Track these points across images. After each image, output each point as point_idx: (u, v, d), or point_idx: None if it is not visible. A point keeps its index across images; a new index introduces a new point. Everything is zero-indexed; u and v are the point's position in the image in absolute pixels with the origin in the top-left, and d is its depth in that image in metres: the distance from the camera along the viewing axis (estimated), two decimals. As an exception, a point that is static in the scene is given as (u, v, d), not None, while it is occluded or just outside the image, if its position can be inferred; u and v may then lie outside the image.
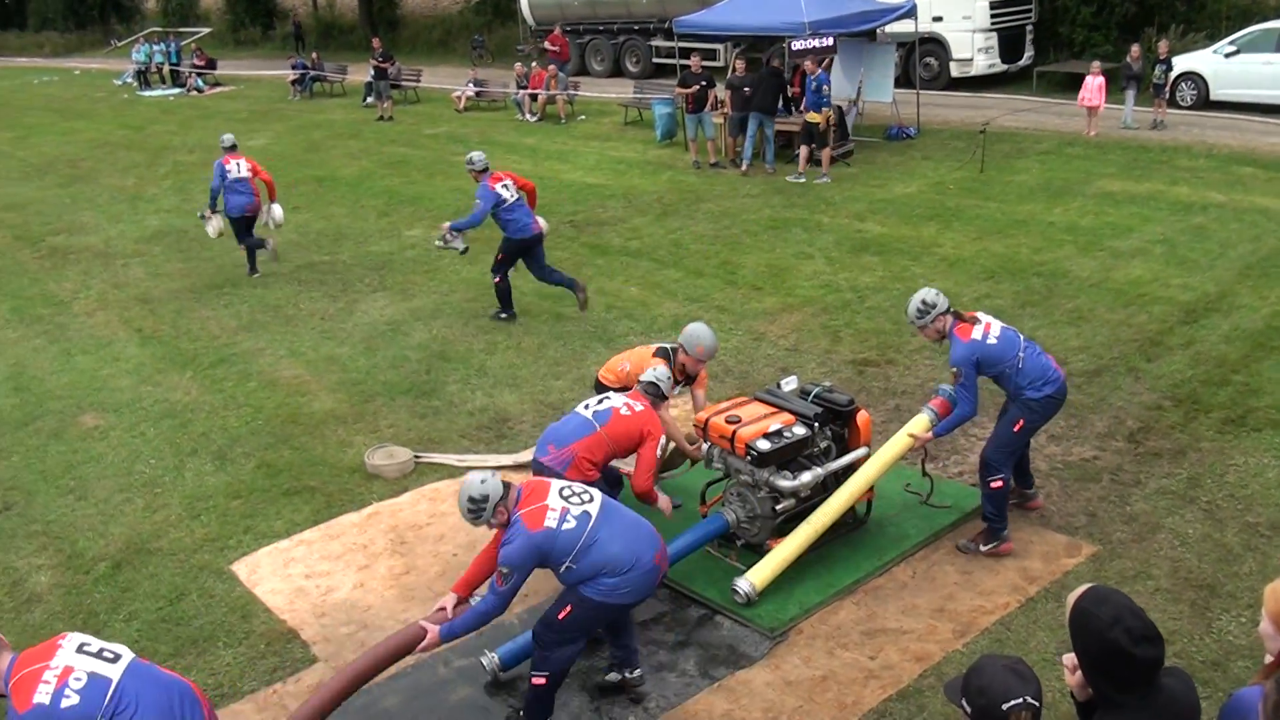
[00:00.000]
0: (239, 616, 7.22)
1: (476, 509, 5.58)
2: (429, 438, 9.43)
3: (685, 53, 21.17)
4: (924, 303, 7.05)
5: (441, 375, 10.75)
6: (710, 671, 6.40)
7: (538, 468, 6.72)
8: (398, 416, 9.94)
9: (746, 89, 18.38)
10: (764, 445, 6.93)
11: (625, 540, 5.55)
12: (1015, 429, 7.11)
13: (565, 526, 5.46)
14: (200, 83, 36.15)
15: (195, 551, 8.01)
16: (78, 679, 4.29)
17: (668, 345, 7.84)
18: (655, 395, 7.00)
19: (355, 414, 10.05)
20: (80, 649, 4.42)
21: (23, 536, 8.45)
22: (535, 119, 25.45)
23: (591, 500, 5.66)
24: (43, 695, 4.21)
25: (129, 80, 39.08)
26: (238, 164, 13.87)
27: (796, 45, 17.95)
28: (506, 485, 5.64)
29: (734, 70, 19.22)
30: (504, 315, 12.08)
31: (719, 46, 25.90)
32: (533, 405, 9.96)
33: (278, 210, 14.36)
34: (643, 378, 7.12)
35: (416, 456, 9.12)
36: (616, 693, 6.26)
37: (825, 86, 17.46)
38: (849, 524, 7.51)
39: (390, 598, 7.30)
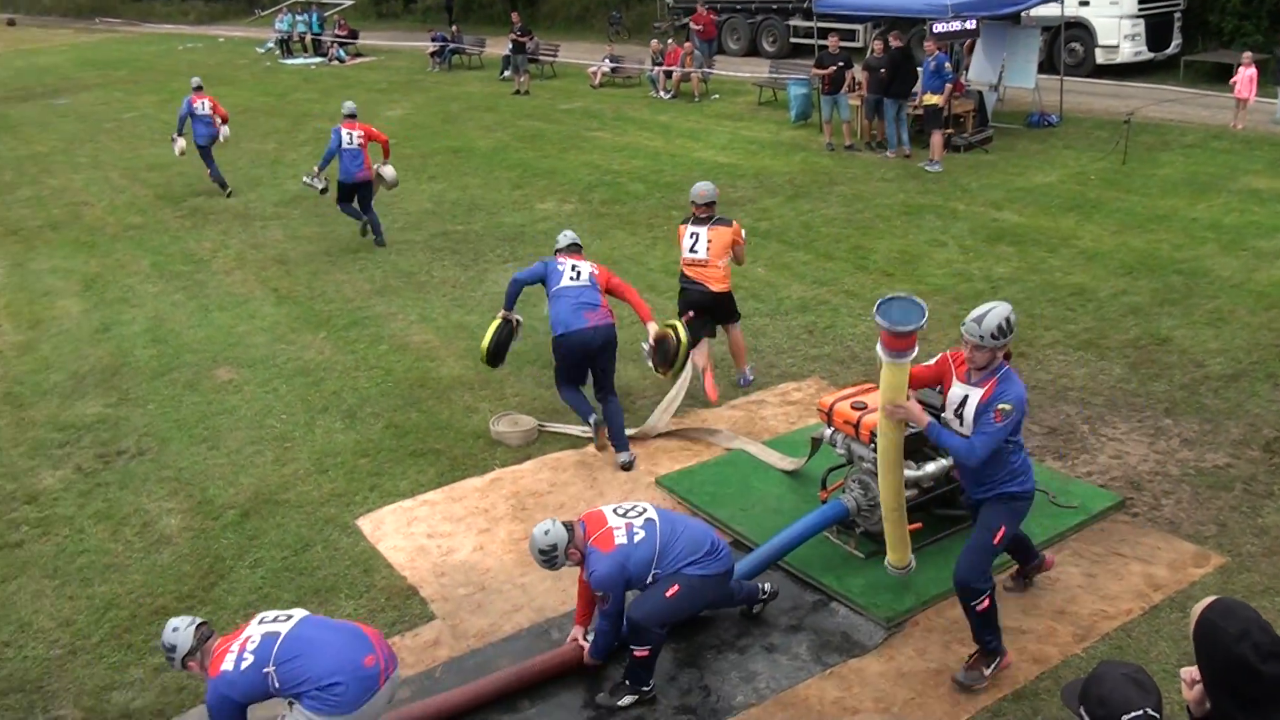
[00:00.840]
0: (361, 570, 7.41)
1: (549, 558, 6.02)
2: (553, 408, 9.52)
3: (823, 33, 20.92)
4: (1008, 321, 5.71)
5: (567, 347, 10.83)
6: (823, 657, 6.36)
7: (588, 334, 8.51)
8: (523, 386, 10.06)
9: (883, 71, 18.09)
10: (889, 433, 6.87)
11: (692, 534, 6.12)
12: (997, 540, 5.97)
13: (636, 539, 5.98)
14: (341, 53, 36.89)
15: (322, 505, 8.24)
16: (253, 643, 5.06)
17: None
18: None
19: (482, 381, 10.21)
20: (260, 621, 5.22)
21: (155, 481, 8.80)
22: (669, 96, 25.43)
23: (646, 510, 6.18)
24: (227, 664, 5.02)
25: (271, 48, 40.07)
26: (350, 134, 14.19)
27: (938, 28, 17.61)
28: (569, 526, 6.06)
29: (872, 51, 18.94)
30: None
31: (858, 27, 25.55)
32: (654, 382, 9.98)
33: (389, 170, 14.66)
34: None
35: (541, 426, 9.23)
36: (728, 671, 6.28)
37: (946, 65, 17.11)
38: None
39: (509, 562, 7.41)
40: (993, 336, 5.68)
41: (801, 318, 11.25)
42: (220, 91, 30.48)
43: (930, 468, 6.98)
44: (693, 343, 9.21)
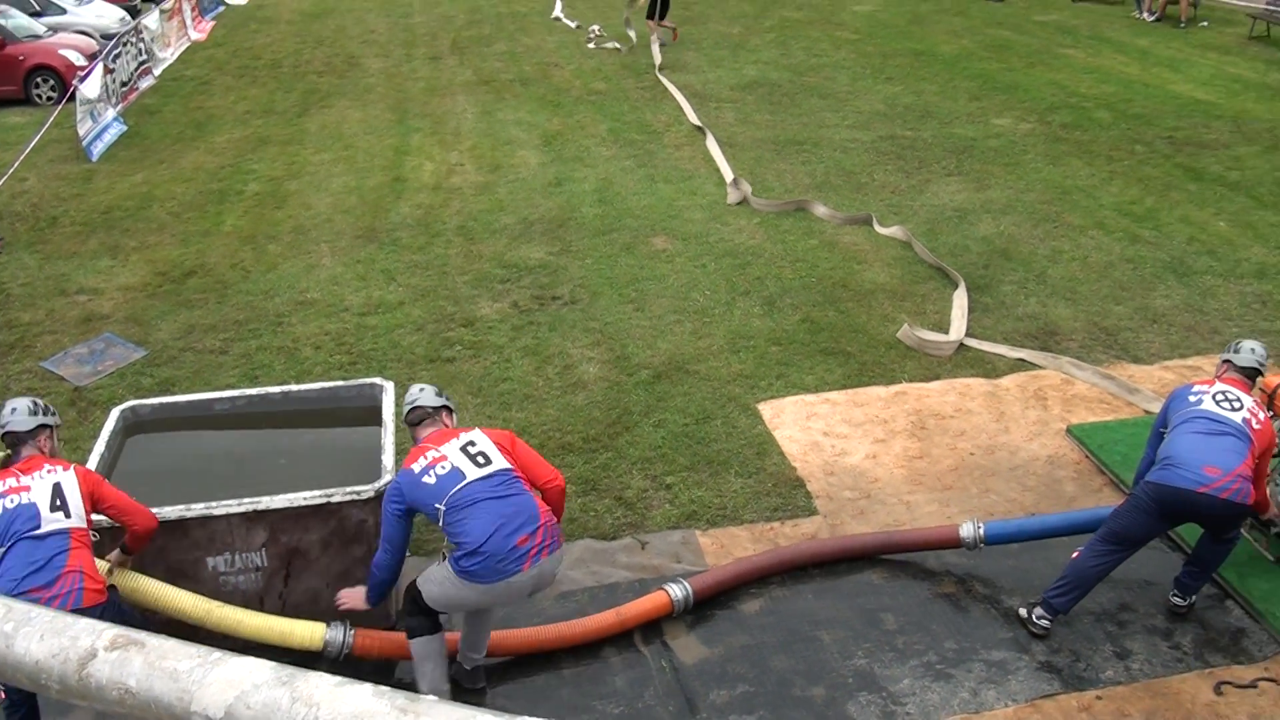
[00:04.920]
0: (754, 452, 7.56)
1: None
2: (973, 333, 9.23)
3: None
4: None
5: (999, 273, 10.43)
6: (1205, 655, 5.86)
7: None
8: (945, 304, 9.79)
9: None
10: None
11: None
12: None
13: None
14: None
15: (728, 383, 8.44)
16: (443, 468, 5.08)
17: None
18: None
19: (905, 292, 10.03)
20: (464, 448, 5.17)
21: (581, 329, 9.34)
22: (1153, 19, 23.49)
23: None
24: (415, 465, 5.11)
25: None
26: None
27: None
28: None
29: None
30: None
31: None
32: (1085, 324, 9.43)
33: None
34: None
35: (963, 342, 9.00)
36: (1102, 641, 5.95)
37: None
38: None
39: (899, 477, 7.32)
40: None
41: (1258, 285, 10.22)
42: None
43: None
44: None
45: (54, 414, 5.32)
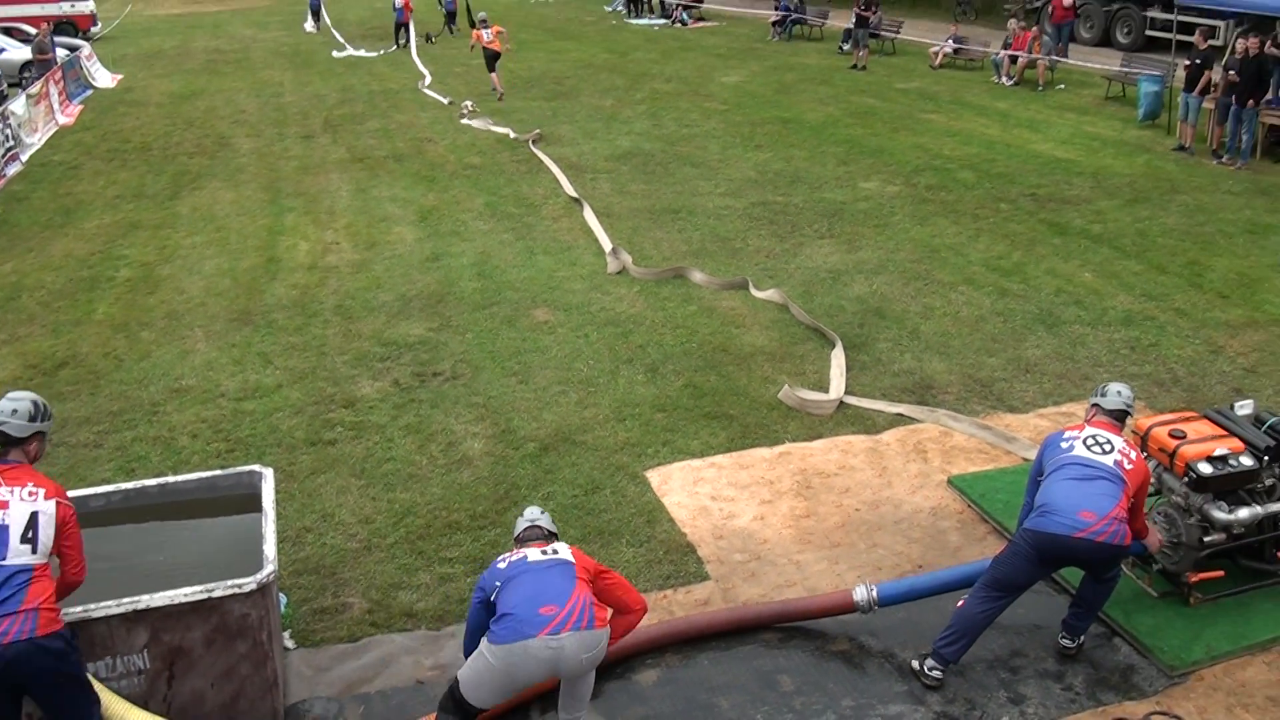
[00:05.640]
0: (645, 520, 7.55)
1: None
2: (851, 391, 9.39)
3: (1181, 27, 19.51)
4: None
5: (874, 331, 10.66)
6: (1098, 694, 5.98)
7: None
8: (824, 363, 9.95)
9: (1240, 74, 16.70)
10: (1206, 469, 6.37)
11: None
12: None
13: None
14: (685, 16, 37.46)
15: (615, 452, 8.44)
16: (517, 556, 5.30)
17: None
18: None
19: (784, 353, 10.18)
20: (544, 550, 5.34)
21: (465, 405, 9.27)
22: (1011, 83, 24.42)
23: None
24: (500, 562, 5.30)
25: (619, 9, 41.27)
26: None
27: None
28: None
29: (1233, 52, 17.54)
30: None
31: (1220, 24, 23.73)
32: (960, 377, 9.67)
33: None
34: None
35: (842, 400, 9.14)
36: (996, 688, 6.03)
37: None
38: (1276, 575, 6.76)
39: (787, 536, 7.37)
40: None
41: (1125, 331, 10.61)
42: (566, 46, 31.97)
43: (1243, 513, 6.43)
44: None
45: (50, 418, 5.18)
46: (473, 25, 26.60)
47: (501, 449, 8.53)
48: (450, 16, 35.70)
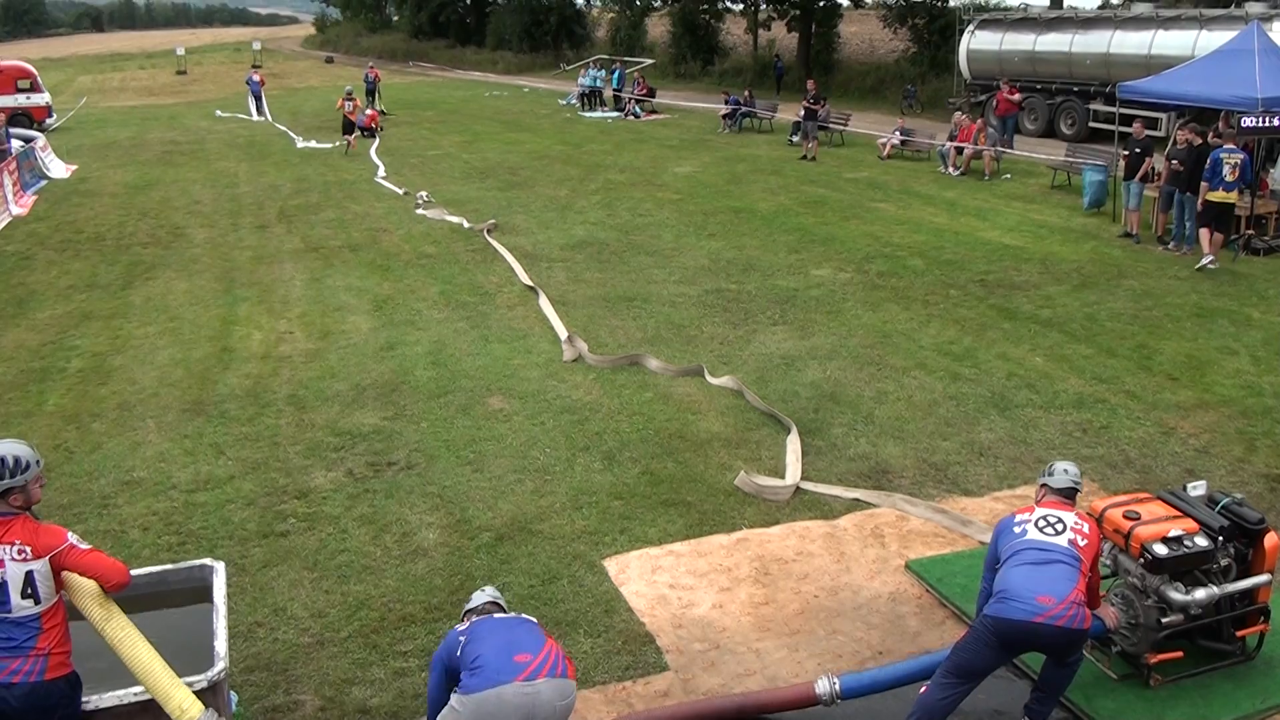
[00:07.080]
0: (602, 610, 7.47)
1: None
2: (807, 476, 9.41)
3: (1124, 119, 20.13)
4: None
5: (829, 416, 10.71)
6: (1055, 776, 5.97)
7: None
8: (780, 449, 9.98)
9: (1182, 163, 17.19)
10: (1161, 550, 6.41)
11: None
12: None
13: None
14: (638, 109, 38.13)
15: (572, 541, 8.38)
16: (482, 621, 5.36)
17: None
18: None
19: (739, 440, 10.19)
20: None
21: (419, 495, 9.18)
22: (958, 173, 24.97)
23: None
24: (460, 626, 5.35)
25: (573, 102, 42.02)
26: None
27: (1247, 122, 16.69)
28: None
29: (1174, 143, 18.08)
30: None
31: (1161, 116, 24.47)
32: (915, 461, 9.72)
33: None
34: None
35: (799, 485, 9.15)
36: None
37: (1225, 160, 15.91)
38: (1235, 655, 6.80)
39: (746, 624, 7.31)
40: None
41: (1077, 414, 10.73)
42: (520, 137, 32.38)
43: (1200, 594, 6.47)
44: None
45: (24, 470, 5.04)
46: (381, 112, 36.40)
47: (457, 539, 8.44)
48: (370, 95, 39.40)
